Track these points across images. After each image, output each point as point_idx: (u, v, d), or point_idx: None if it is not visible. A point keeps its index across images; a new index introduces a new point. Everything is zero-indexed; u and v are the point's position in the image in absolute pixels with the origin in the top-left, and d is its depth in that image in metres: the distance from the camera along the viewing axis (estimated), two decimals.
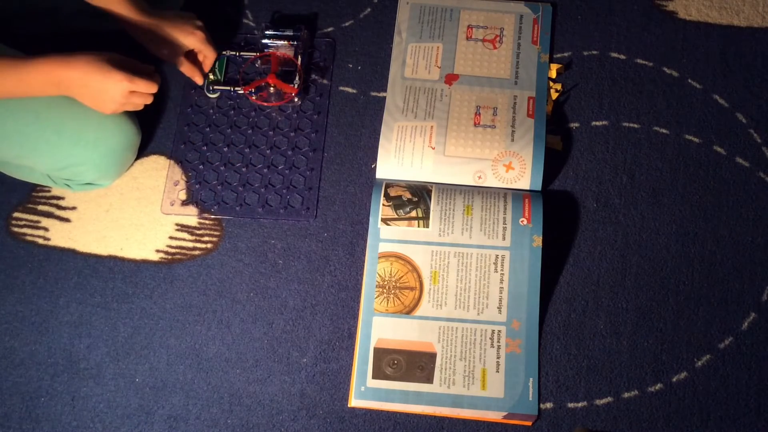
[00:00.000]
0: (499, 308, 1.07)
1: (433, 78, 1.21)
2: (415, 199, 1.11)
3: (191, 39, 1.15)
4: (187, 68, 1.18)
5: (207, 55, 1.19)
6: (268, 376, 1.08)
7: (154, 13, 1.13)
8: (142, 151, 1.20)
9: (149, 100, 1.10)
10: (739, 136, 1.18)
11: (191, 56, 1.19)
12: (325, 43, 1.27)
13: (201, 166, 1.19)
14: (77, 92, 1.04)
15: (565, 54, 1.25)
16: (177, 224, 1.16)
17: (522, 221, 1.09)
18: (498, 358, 1.05)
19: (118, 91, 1.05)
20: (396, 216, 1.10)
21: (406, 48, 1.24)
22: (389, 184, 1.13)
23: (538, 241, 1.08)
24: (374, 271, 1.08)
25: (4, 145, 1.07)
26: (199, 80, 1.20)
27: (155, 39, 1.14)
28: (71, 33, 1.21)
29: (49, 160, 1.10)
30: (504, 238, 1.08)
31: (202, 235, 1.16)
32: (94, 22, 1.18)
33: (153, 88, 1.08)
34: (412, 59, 1.23)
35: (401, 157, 1.15)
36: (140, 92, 1.07)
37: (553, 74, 1.21)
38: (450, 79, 1.21)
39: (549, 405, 1.05)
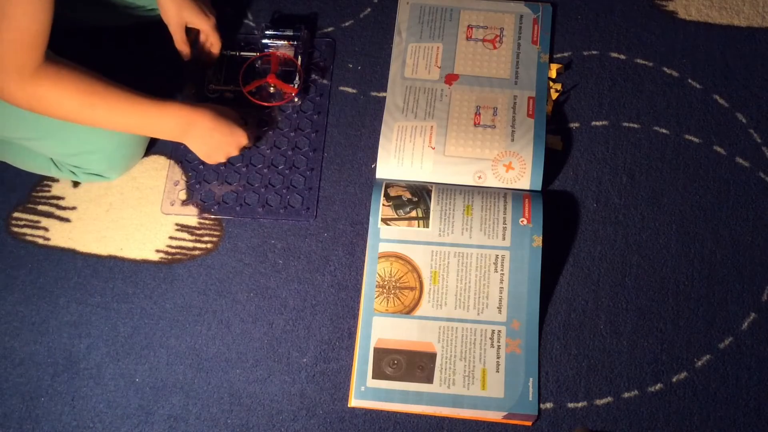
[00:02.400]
0: (499, 308, 1.07)
1: (433, 78, 1.21)
2: (415, 199, 1.11)
3: (204, 21, 1.15)
4: (181, 42, 1.17)
5: (213, 43, 1.19)
6: (268, 376, 1.08)
7: None
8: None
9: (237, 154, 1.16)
10: (739, 136, 1.18)
11: (189, 35, 1.18)
12: (325, 43, 1.27)
13: (201, 166, 1.19)
14: (199, 140, 1.09)
15: (565, 54, 1.25)
16: (177, 224, 1.16)
17: (522, 221, 1.09)
18: (498, 358, 1.05)
19: (235, 146, 1.12)
20: (396, 216, 1.10)
21: (406, 48, 1.24)
22: (389, 184, 1.13)
23: (538, 241, 1.08)
24: (374, 271, 1.08)
25: (18, 125, 1.05)
26: (186, 55, 1.19)
27: (174, 6, 1.13)
28: (75, 27, 1.21)
29: (62, 144, 1.09)
30: (504, 238, 1.08)
31: (202, 235, 1.16)
32: (98, 15, 1.18)
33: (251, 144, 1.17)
34: (412, 59, 1.23)
35: (401, 157, 1.15)
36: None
37: (553, 74, 1.21)
38: (450, 79, 1.21)
39: (549, 405, 1.05)
